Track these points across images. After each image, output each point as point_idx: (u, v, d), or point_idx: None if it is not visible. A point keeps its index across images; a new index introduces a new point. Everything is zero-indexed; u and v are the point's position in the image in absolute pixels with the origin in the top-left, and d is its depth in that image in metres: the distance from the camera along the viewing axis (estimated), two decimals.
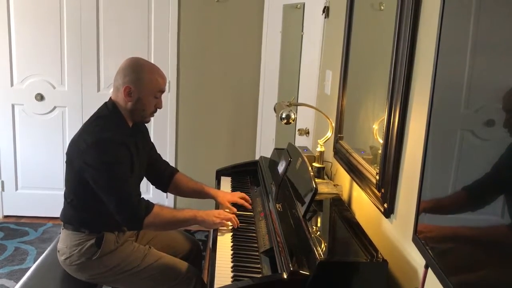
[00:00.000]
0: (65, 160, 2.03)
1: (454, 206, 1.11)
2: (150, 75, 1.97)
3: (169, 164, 2.36)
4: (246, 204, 2.22)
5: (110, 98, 2.03)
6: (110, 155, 1.89)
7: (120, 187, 1.90)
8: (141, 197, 1.96)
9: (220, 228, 2.00)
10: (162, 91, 2.04)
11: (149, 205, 1.94)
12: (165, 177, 2.30)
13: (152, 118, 2.13)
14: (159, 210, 1.96)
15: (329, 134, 2.26)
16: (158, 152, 2.36)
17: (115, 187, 1.90)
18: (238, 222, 2.02)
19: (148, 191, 3.76)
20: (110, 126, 1.96)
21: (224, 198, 2.22)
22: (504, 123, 0.90)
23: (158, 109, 2.07)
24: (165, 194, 3.88)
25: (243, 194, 2.27)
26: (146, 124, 2.20)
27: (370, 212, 1.83)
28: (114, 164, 1.89)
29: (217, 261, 1.74)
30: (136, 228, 1.98)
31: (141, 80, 1.95)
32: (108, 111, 2.00)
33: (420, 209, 1.25)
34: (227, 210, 2.13)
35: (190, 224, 2.05)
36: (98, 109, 2.04)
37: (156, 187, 2.37)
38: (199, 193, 2.32)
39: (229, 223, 2.02)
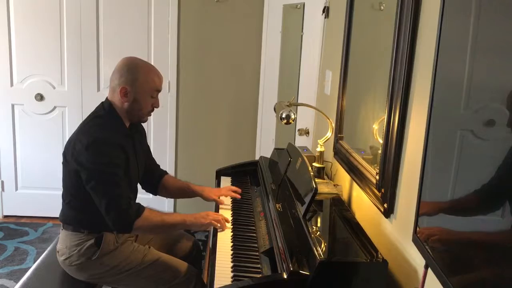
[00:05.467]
0: (62, 160, 2.03)
1: (454, 206, 1.11)
2: (146, 75, 1.96)
3: (159, 167, 2.37)
4: (235, 195, 2.24)
5: (107, 98, 2.02)
6: (103, 156, 1.87)
7: (111, 189, 1.88)
8: (133, 200, 1.95)
9: (220, 229, 1.99)
10: (159, 91, 2.03)
11: (139, 209, 1.92)
12: (155, 180, 2.30)
13: (151, 118, 2.13)
14: (148, 214, 1.93)
15: (329, 134, 2.26)
16: (159, 152, 2.36)
17: (105, 189, 1.88)
18: (226, 224, 2.00)
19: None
20: (106, 127, 1.95)
21: (210, 193, 2.24)
22: (507, 122, 0.90)
23: (155, 108, 2.06)
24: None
25: (232, 187, 2.27)
26: (145, 124, 2.20)
27: (370, 212, 1.83)
28: (107, 165, 1.87)
29: (217, 261, 1.74)
30: (125, 231, 1.97)
31: (137, 81, 1.95)
32: (105, 111, 1.99)
33: (420, 209, 1.25)
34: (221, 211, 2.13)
35: (179, 228, 2.06)
36: (95, 109, 2.04)
37: (146, 191, 2.35)
38: (186, 192, 2.33)
39: (218, 224, 1.99)
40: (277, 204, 1.94)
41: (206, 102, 3.83)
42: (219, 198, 2.26)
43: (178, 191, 2.35)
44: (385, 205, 1.64)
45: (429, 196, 1.23)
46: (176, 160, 3.88)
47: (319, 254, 1.44)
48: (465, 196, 1.06)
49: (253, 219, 2.09)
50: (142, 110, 2.01)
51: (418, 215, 1.26)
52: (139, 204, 1.94)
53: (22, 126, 3.77)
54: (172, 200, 3.93)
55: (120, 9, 3.63)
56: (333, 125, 2.28)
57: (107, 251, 1.99)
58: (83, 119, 2.04)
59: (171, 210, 3.94)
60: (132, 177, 2.03)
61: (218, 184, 2.52)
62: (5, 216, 3.89)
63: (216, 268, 1.69)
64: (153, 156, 2.36)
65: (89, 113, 2.04)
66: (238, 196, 2.26)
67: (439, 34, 1.18)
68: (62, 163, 2.01)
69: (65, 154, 1.98)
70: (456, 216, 1.12)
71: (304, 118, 2.93)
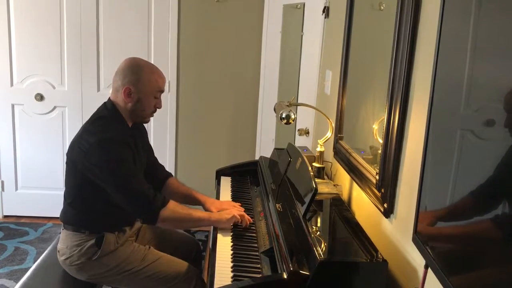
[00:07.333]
0: (65, 161, 2.03)
1: (454, 206, 1.11)
2: (149, 75, 1.97)
3: (164, 168, 2.36)
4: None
5: (109, 98, 2.03)
6: (114, 153, 1.89)
7: (132, 182, 1.91)
8: (157, 192, 1.98)
9: (223, 228, 1.99)
10: (162, 91, 2.04)
11: (165, 199, 1.96)
12: (158, 181, 2.29)
13: (152, 118, 2.14)
14: (175, 206, 1.98)
15: (329, 134, 2.26)
16: (158, 152, 2.36)
17: (126, 183, 1.90)
18: (249, 220, 2.02)
19: None
20: (111, 126, 1.96)
21: (212, 205, 2.19)
22: (504, 123, 0.90)
23: (157, 109, 2.07)
24: None
25: (233, 203, 2.21)
26: (145, 124, 2.20)
27: (370, 212, 1.83)
28: (121, 161, 1.90)
29: (217, 261, 1.74)
30: (152, 221, 1.97)
31: (141, 81, 1.96)
32: (108, 111, 2.00)
33: (420, 209, 1.25)
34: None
35: (204, 224, 2.04)
36: (97, 109, 2.05)
37: None
38: (189, 198, 2.31)
39: (240, 219, 2.00)
40: (277, 204, 1.94)
41: (206, 102, 3.83)
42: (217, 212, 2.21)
43: (181, 196, 2.33)
44: (385, 205, 1.64)
45: (429, 197, 1.23)
46: (176, 160, 3.88)
47: (319, 254, 1.44)
48: (465, 196, 1.06)
49: (253, 219, 2.09)
50: (145, 111, 2.02)
51: (418, 215, 1.26)
52: (164, 195, 1.98)
53: (22, 126, 3.77)
54: None
55: (120, 9, 3.63)
56: (333, 125, 2.28)
57: (107, 251, 1.99)
58: (85, 120, 2.05)
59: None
60: None
61: (218, 184, 2.52)
62: (5, 216, 3.89)
63: (216, 268, 1.70)
64: (155, 157, 2.35)
65: (91, 114, 2.04)
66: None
67: (439, 34, 1.18)
68: (66, 163, 2.02)
69: (70, 155, 1.99)
70: (456, 215, 1.12)
71: (304, 118, 2.93)
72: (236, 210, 2.04)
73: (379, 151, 1.72)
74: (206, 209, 2.19)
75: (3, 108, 3.73)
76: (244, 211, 2.09)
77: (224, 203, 2.20)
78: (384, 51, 1.70)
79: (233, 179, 2.57)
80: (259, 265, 1.72)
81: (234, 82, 3.80)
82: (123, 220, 2.06)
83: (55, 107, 3.75)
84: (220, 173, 2.62)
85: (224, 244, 1.88)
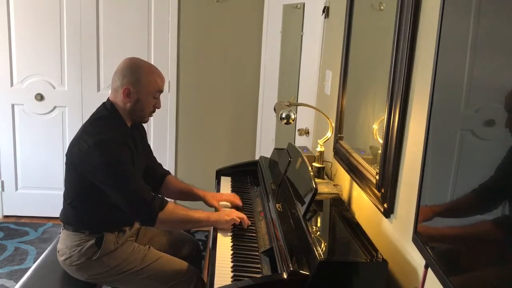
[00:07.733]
0: (65, 161, 2.03)
1: (454, 206, 1.11)
2: (148, 76, 1.97)
3: (162, 166, 2.37)
4: (236, 202, 2.23)
5: (108, 98, 2.03)
6: (113, 154, 1.89)
7: (130, 183, 1.91)
8: (155, 194, 1.98)
9: (224, 228, 1.99)
10: (161, 91, 2.04)
11: (163, 201, 1.96)
12: (157, 179, 2.30)
13: (151, 118, 2.14)
14: (173, 208, 1.98)
15: (329, 134, 2.26)
16: (158, 152, 2.36)
17: (125, 185, 1.90)
18: (247, 222, 2.02)
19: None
20: (110, 127, 1.96)
21: (213, 198, 2.22)
22: (505, 123, 0.90)
23: (157, 109, 2.07)
24: None
25: (233, 194, 2.24)
26: (145, 124, 2.20)
27: (370, 212, 1.83)
28: (119, 162, 1.90)
29: (217, 261, 1.74)
30: (150, 223, 1.97)
31: (140, 81, 1.95)
32: (107, 111, 2.00)
33: (420, 210, 1.25)
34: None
35: (203, 225, 2.05)
36: (96, 109, 2.05)
37: None
38: (188, 195, 2.32)
39: (239, 221, 2.01)
40: (277, 204, 1.94)
41: (206, 102, 3.83)
42: (219, 204, 2.24)
43: (180, 193, 2.35)
44: (385, 205, 1.64)
45: (429, 197, 1.23)
46: (176, 160, 3.88)
47: (319, 254, 1.44)
48: (465, 195, 1.06)
49: (253, 219, 2.09)
50: (144, 111, 2.02)
51: (418, 215, 1.26)
52: (162, 197, 1.98)
53: (22, 126, 3.77)
54: (172, 201, 3.92)
55: (120, 9, 3.63)
56: (333, 125, 2.28)
57: (107, 251, 1.99)
58: (85, 120, 2.05)
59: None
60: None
61: (218, 184, 2.52)
62: (5, 216, 3.89)
63: (216, 268, 1.70)
64: (154, 156, 2.35)
65: (91, 114, 2.04)
66: (240, 204, 2.24)
67: (439, 34, 1.18)
68: (66, 164, 2.02)
69: (69, 156, 1.98)
70: (456, 215, 1.12)
71: (304, 118, 2.93)
72: (236, 214, 2.04)
73: (379, 151, 1.72)
74: (207, 203, 2.22)
75: (3, 108, 3.73)
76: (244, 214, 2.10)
77: (224, 194, 2.23)
78: (384, 51, 1.70)
79: (233, 179, 2.57)
80: (259, 265, 1.72)
81: (234, 82, 3.80)
82: (123, 220, 2.06)
83: (55, 107, 3.75)
84: (220, 173, 2.62)
85: (224, 244, 1.88)
